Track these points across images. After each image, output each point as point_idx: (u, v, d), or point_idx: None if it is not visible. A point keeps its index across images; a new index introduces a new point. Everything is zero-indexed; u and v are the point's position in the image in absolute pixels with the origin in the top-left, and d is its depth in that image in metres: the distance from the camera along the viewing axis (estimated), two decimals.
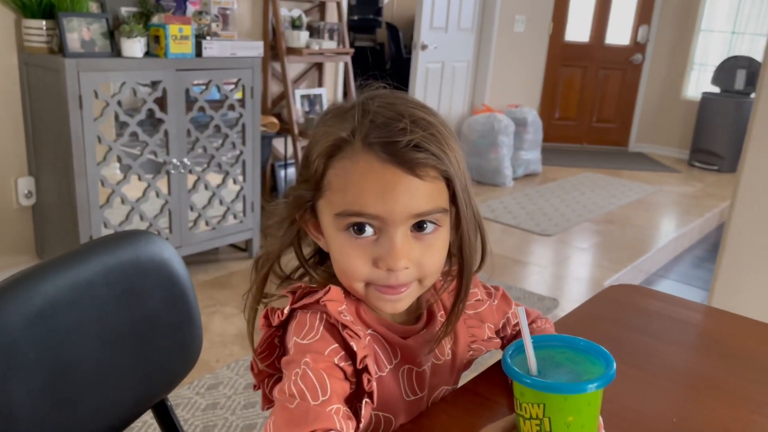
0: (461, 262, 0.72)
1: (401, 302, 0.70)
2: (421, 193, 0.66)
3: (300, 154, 3.32)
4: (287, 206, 0.73)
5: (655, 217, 4.41)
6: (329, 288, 0.69)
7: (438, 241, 0.69)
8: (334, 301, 0.69)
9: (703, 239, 4.24)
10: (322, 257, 0.78)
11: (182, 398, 2.00)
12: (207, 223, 2.86)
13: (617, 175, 5.44)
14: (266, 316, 0.71)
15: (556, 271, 3.40)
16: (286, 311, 0.70)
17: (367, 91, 0.70)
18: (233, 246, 3.20)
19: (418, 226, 0.67)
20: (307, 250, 0.77)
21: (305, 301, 0.70)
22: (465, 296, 0.73)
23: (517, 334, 0.86)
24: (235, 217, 2.98)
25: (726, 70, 5.73)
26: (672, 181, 5.36)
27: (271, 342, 0.73)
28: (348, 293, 0.72)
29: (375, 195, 0.65)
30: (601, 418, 0.67)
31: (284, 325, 0.72)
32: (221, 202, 2.90)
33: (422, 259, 0.68)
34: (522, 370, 0.61)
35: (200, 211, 2.82)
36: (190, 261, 2.89)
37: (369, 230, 0.66)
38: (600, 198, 4.65)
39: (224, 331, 2.44)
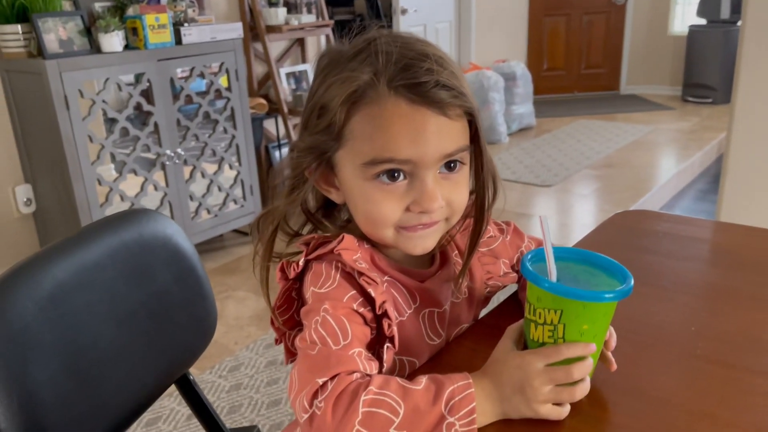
0: (479, 198, 0.73)
1: (430, 239, 0.70)
2: (449, 133, 0.65)
3: (292, 133, 3.30)
4: (295, 162, 0.71)
5: (654, 156, 4.40)
6: (342, 237, 0.69)
7: (463, 179, 0.70)
8: (349, 249, 0.68)
9: (704, 172, 4.23)
10: (326, 210, 0.77)
11: (206, 383, 2.01)
12: (208, 211, 2.86)
13: (611, 119, 5.41)
14: (282, 270, 0.71)
15: (561, 220, 3.41)
16: (301, 263, 0.70)
17: (372, 33, 0.67)
18: (237, 231, 3.20)
19: (446, 166, 0.67)
20: (309, 205, 0.76)
21: (319, 251, 0.69)
22: (483, 232, 0.73)
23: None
24: (235, 202, 2.98)
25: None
26: (667, 119, 5.33)
27: (289, 295, 0.72)
28: (362, 241, 0.72)
29: (406, 139, 0.63)
30: (612, 329, 0.68)
31: (300, 278, 0.71)
32: (220, 189, 2.90)
33: (451, 197, 0.68)
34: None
35: (200, 200, 2.82)
36: (197, 250, 2.89)
37: (400, 176, 0.66)
38: (596, 144, 4.63)
39: (239, 314, 2.45)
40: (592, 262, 0.65)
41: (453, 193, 0.68)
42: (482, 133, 0.69)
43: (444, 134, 0.65)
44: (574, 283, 0.62)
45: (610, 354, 0.67)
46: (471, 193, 0.74)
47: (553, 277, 0.61)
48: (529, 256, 0.64)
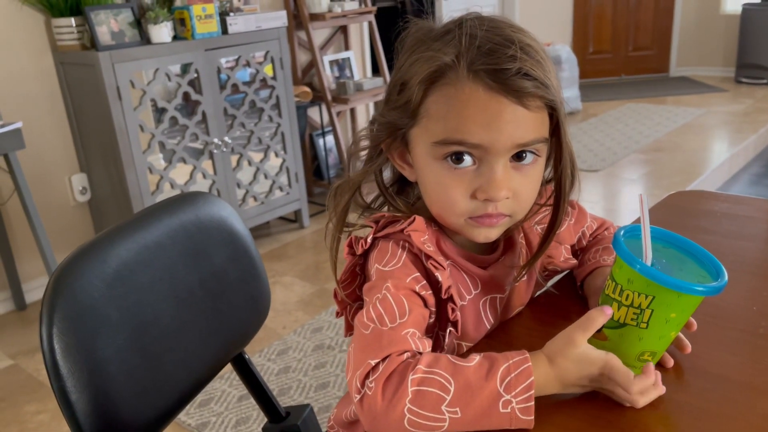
0: (558, 192, 0.71)
1: (494, 230, 0.69)
2: (525, 123, 0.63)
3: (336, 121, 3.32)
4: (374, 134, 0.71)
5: (706, 139, 4.27)
6: (414, 218, 0.69)
7: (535, 172, 0.68)
8: (418, 231, 0.68)
9: (758, 156, 4.09)
10: (400, 187, 0.78)
11: (255, 365, 2.05)
12: (255, 199, 2.91)
13: (661, 102, 5.27)
14: (350, 245, 0.72)
15: (608, 205, 3.34)
16: (369, 240, 0.70)
17: (465, 14, 0.67)
18: (283, 218, 3.24)
19: (517, 156, 0.66)
20: (385, 179, 0.77)
21: (388, 230, 0.70)
22: (558, 226, 0.72)
23: (590, 245, 0.85)
24: (281, 189, 3.02)
25: None
26: (720, 101, 5.16)
27: (353, 270, 0.73)
28: (429, 223, 0.71)
29: (479, 124, 0.62)
30: (692, 318, 0.66)
31: (365, 254, 0.72)
32: (266, 177, 2.94)
33: (519, 189, 0.67)
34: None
35: (247, 187, 2.86)
36: None
37: (468, 160, 0.65)
38: (645, 128, 4.52)
39: (287, 299, 2.49)
40: (682, 247, 0.63)
41: (521, 185, 0.66)
42: (565, 128, 0.67)
43: (519, 124, 0.63)
44: (663, 268, 0.60)
45: (684, 338, 0.67)
46: (548, 182, 0.73)
47: (648, 261, 0.59)
48: (622, 233, 0.61)
